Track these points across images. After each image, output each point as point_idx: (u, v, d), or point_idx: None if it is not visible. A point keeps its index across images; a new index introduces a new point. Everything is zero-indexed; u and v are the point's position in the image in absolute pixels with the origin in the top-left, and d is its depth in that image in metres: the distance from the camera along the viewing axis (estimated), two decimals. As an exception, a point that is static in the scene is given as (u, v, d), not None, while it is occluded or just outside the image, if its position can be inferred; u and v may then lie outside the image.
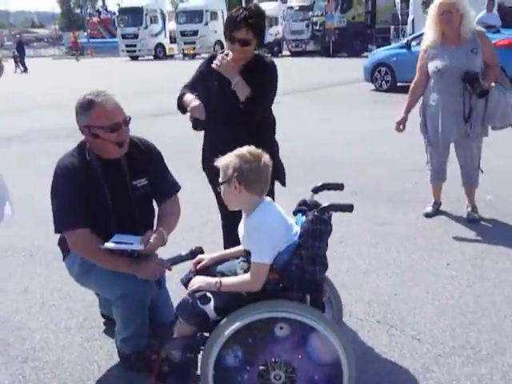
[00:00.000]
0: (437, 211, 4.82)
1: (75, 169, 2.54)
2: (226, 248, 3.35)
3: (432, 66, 4.44)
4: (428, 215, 4.78)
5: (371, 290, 3.50)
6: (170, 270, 2.61)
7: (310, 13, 29.87)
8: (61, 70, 29.62)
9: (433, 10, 4.36)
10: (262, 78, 3.01)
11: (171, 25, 36.97)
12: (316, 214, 2.18)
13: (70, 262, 2.71)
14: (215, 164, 2.23)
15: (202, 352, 2.25)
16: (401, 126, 4.65)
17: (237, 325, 2.15)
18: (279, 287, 2.22)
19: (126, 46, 35.21)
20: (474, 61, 4.28)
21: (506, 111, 4.33)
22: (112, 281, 2.55)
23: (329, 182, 2.51)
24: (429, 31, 4.49)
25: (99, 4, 68.14)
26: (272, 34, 32.62)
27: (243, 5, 3.14)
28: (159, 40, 35.67)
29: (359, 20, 28.86)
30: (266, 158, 2.21)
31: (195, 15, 33.58)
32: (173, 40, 36.50)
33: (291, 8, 31.75)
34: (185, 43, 33.84)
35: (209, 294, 2.23)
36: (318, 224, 2.17)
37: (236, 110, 2.94)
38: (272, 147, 3.12)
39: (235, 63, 2.99)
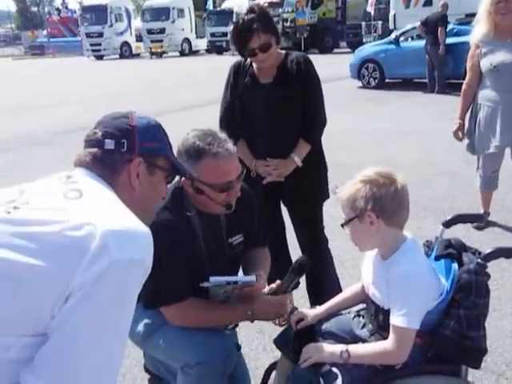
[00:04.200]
0: (487, 222, 4.37)
1: (176, 228, 1.96)
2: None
3: (486, 63, 3.97)
4: (479, 227, 4.29)
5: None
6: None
7: (280, 9, 29.40)
8: (24, 71, 28.29)
9: (487, -1, 3.91)
10: (308, 87, 2.83)
11: (136, 23, 35.94)
12: (480, 261, 1.66)
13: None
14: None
15: None
16: (459, 134, 4.19)
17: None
18: (425, 357, 1.70)
19: (91, 44, 33.84)
20: (533, 55, 3.84)
21: None
22: (184, 344, 1.95)
23: (463, 213, 2.00)
24: (480, 24, 4.03)
25: (58, 2, 66.11)
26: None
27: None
28: (125, 38, 34.53)
29: (330, 16, 28.45)
30: (399, 177, 1.69)
31: (161, 13, 32.64)
32: (139, 38, 35.43)
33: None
34: (152, 41, 32.92)
35: (335, 369, 1.69)
36: (483, 275, 1.65)
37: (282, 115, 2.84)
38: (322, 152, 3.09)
39: (269, 73, 2.82)
